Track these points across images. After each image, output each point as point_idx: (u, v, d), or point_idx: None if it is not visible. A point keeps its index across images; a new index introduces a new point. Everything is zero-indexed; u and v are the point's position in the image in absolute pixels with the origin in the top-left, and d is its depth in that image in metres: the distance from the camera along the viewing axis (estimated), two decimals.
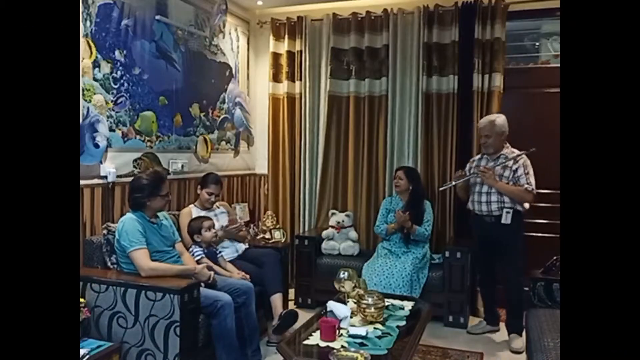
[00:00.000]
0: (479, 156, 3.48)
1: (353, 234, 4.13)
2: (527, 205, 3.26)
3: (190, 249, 3.06)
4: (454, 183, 3.45)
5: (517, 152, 3.26)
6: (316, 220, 4.41)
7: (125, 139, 3.13)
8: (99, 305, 2.55)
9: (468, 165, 3.52)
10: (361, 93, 4.25)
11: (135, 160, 3.20)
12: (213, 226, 3.16)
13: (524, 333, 2.95)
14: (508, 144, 3.33)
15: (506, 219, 3.19)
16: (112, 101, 3.00)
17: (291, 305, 3.87)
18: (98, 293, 2.55)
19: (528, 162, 3.23)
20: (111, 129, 3.00)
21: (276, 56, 4.48)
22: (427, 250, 3.73)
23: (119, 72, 3.04)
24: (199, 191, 3.47)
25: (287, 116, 4.47)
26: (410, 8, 4.07)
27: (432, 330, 3.41)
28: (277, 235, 3.96)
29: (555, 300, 2.81)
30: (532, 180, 3.18)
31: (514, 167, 3.23)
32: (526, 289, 2.99)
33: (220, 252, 3.21)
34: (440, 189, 3.62)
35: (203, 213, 3.33)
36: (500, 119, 3.33)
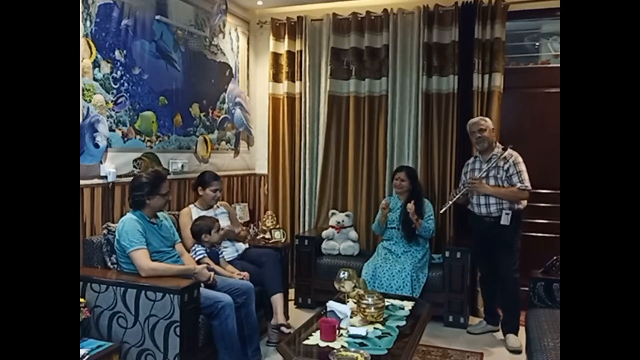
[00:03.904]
0: (472, 159, 3.49)
1: (353, 234, 4.13)
2: (524, 202, 3.26)
3: (193, 248, 3.06)
4: (450, 203, 3.42)
5: (507, 150, 3.27)
6: (316, 220, 4.41)
7: (125, 139, 3.13)
8: (99, 305, 2.55)
9: (464, 169, 3.53)
10: (361, 93, 4.25)
11: (135, 160, 3.20)
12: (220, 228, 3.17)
13: (523, 333, 2.95)
14: (498, 144, 3.35)
15: (505, 220, 3.20)
16: (112, 101, 3.00)
17: (291, 305, 3.87)
18: (98, 293, 2.55)
19: (519, 159, 3.24)
20: (111, 129, 3.00)
21: (276, 56, 4.48)
22: (427, 250, 3.73)
23: (119, 72, 3.04)
24: (200, 192, 3.41)
25: (287, 116, 4.47)
26: (410, 8, 4.07)
27: (432, 330, 3.41)
28: (277, 235, 3.96)
29: (555, 300, 2.81)
30: (525, 176, 3.19)
31: (505, 167, 3.24)
32: (526, 288, 2.99)
33: (222, 252, 3.21)
34: (440, 211, 3.61)
35: (203, 213, 3.32)
36: (487, 118, 3.43)
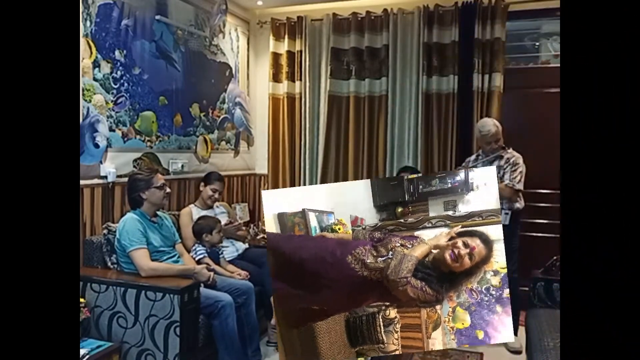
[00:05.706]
0: (473, 157, 3.48)
1: None
2: (522, 202, 3.25)
3: (194, 248, 3.06)
4: None
5: (509, 151, 3.26)
6: None
7: (125, 139, 3.13)
8: (99, 305, 2.55)
9: (464, 165, 3.53)
10: (361, 93, 4.25)
11: (135, 160, 3.20)
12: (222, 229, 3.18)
13: (523, 333, 2.95)
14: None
15: (504, 219, 3.19)
16: (112, 101, 3.00)
17: None
18: (98, 293, 2.55)
19: (519, 161, 3.21)
20: (111, 129, 3.00)
21: (276, 56, 4.48)
22: None
23: (119, 72, 3.04)
24: (201, 188, 3.47)
25: (287, 116, 4.47)
26: (410, 8, 4.07)
27: None
28: None
29: (555, 300, 2.81)
30: (518, 176, 3.16)
31: (505, 166, 3.23)
32: (526, 289, 2.99)
33: (222, 252, 3.21)
34: None
35: (203, 213, 3.33)
36: (497, 122, 3.35)
